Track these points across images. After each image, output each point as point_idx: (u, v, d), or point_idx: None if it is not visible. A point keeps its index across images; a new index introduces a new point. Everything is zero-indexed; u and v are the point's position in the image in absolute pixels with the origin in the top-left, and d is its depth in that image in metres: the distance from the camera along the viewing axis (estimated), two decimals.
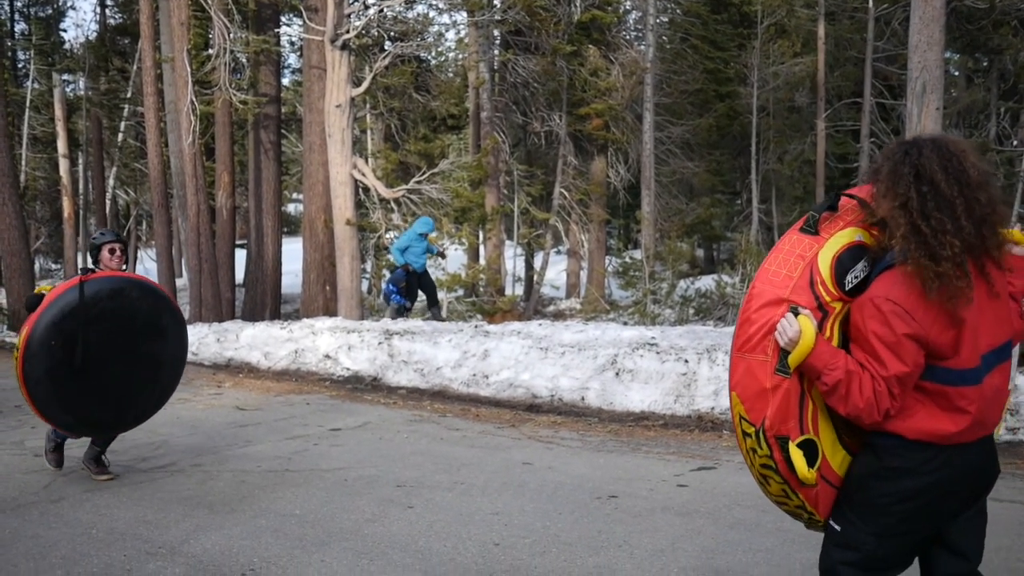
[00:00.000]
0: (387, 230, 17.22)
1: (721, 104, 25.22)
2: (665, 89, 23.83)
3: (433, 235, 16.18)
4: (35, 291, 6.57)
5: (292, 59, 32.02)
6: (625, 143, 22.90)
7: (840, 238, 2.89)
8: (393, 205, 16.82)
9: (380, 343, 12.87)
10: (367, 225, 16.81)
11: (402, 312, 15.30)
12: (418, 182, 16.87)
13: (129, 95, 30.95)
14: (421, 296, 15.79)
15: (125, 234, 36.20)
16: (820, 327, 2.79)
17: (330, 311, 17.01)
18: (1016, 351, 3.01)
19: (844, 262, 2.85)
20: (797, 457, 2.82)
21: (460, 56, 25.24)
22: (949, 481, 2.81)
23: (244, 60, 19.70)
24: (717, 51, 24.95)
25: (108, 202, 31.05)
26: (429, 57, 24.93)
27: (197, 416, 9.81)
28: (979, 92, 23.44)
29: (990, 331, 2.77)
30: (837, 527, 2.94)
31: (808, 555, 5.02)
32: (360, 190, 16.65)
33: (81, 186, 31.71)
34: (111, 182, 32.71)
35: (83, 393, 6.45)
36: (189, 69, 17.54)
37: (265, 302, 19.61)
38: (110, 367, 6.57)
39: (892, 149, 2.85)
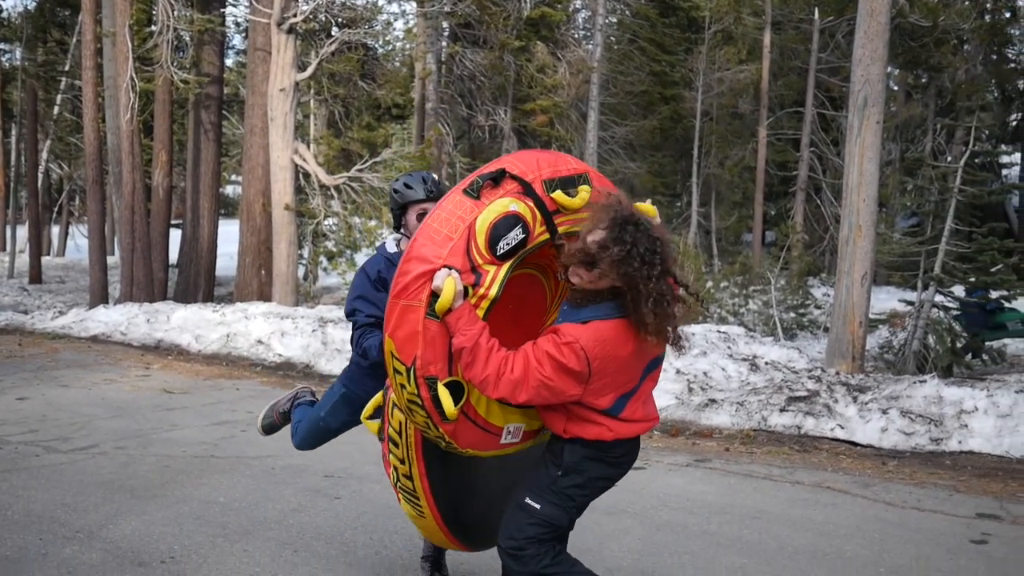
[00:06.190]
0: (326, 216, 17.05)
1: (665, 107, 25.37)
2: (611, 89, 23.92)
3: None
4: None
5: (237, 40, 31.52)
6: (569, 141, 22.91)
7: (497, 206, 3.15)
8: (333, 192, 16.65)
9: (314, 330, 12.75)
10: (306, 211, 16.64)
11: None
12: (360, 170, 16.74)
13: (67, 68, 30.28)
14: None
15: (57, 209, 35.51)
16: (475, 285, 3.10)
17: (264, 296, 16.81)
18: None
19: (498, 229, 3.13)
20: (445, 396, 3.13)
21: (408, 46, 25.06)
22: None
23: (187, 38, 19.38)
24: (664, 54, 25.09)
25: (40, 175, 30.37)
26: (376, 45, 24.72)
27: (123, 397, 9.62)
28: (917, 107, 23.90)
29: None
30: (536, 506, 3.34)
31: (735, 559, 5.05)
32: (300, 175, 16.48)
33: (13, 158, 31.02)
34: (44, 155, 32.03)
35: None
36: (131, 44, 17.19)
37: (198, 284, 19.33)
38: None
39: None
